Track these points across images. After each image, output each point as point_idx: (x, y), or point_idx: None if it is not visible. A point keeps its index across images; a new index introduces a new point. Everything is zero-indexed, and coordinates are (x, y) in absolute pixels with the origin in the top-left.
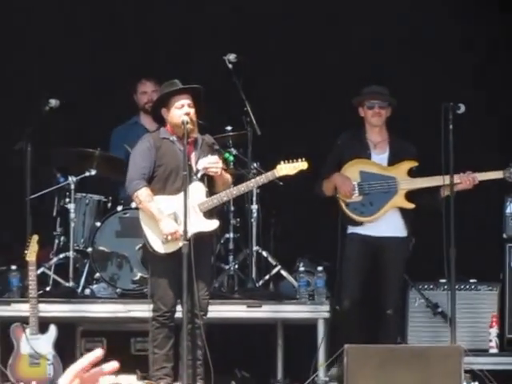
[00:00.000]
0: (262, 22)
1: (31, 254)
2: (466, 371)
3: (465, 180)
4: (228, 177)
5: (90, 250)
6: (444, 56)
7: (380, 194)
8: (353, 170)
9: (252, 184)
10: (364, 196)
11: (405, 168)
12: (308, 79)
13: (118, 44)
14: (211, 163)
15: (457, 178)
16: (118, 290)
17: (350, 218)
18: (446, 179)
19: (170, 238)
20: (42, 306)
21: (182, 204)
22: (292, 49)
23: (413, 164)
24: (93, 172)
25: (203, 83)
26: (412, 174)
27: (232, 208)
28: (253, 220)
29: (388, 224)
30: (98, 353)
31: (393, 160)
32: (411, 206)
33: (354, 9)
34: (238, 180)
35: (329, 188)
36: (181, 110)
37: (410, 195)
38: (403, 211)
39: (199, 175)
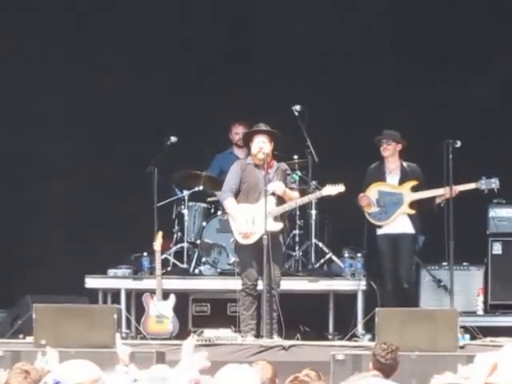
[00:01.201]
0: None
1: (157, 244)
2: (461, 327)
3: (448, 191)
4: (292, 193)
5: (198, 241)
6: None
7: (391, 205)
8: (373, 190)
9: (306, 199)
10: (380, 207)
11: (409, 186)
12: (348, 128)
13: (220, 95)
14: (276, 187)
15: (442, 191)
16: (218, 270)
17: (371, 222)
18: (437, 192)
19: (242, 236)
20: (164, 281)
21: (258, 210)
22: (335, 106)
23: (414, 183)
24: (200, 187)
25: (280, 126)
26: (415, 189)
27: (298, 212)
28: (312, 221)
29: (400, 224)
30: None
31: (402, 181)
32: (412, 211)
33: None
34: (301, 193)
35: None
36: (257, 146)
37: (414, 203)
38: (409, 216)
39: (269, 192)
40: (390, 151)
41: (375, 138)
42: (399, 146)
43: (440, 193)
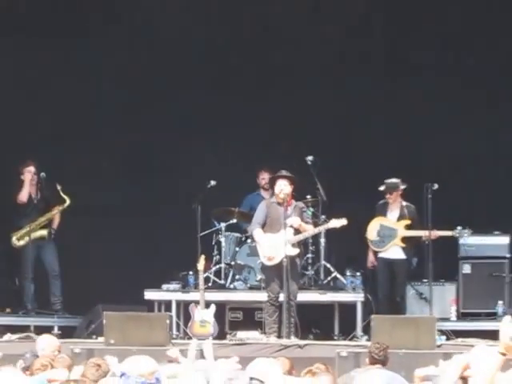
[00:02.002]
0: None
1: (200, 265)
2: (438, 330)
3: (428, 235)
4: (306, 226)
5: (232, 263)
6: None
7: (387, 237)
8: (377, 222)
9: (317, 231)
10: (380, 237)
11: (403, 224)
12: (349, 173)
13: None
14: (293, 221)
15: (426, 233)
16: (248, 285)
17: (371, 248)
18: (422, 233)
19: (267, 258)
20: (206, 294)
21: (279, 239)
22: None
23: (408, 222)
24: (234, 220)
25: (297, 172)
26: (408, 227)
27: (310, 240)
28: (321, 247)
29: (394, 252)
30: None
31: (399, 218)
32: (403, 244)
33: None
34: (313, 225)
35: None
36: (279, 188)
37: (405, 238)
38: (402, 247)
39: (288, 225)
40: (393, 199)
41: (379, 188)
42: (400, 190)
43: (425, 234)
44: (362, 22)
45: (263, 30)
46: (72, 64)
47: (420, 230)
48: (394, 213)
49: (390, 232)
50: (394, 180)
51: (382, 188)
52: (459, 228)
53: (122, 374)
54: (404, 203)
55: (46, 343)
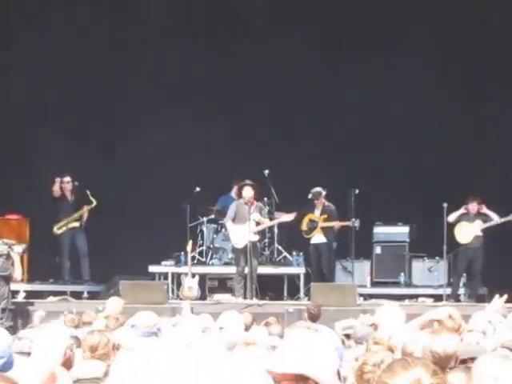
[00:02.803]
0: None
1: (189, 247)
2: (358, 294)
3: (337, 224)
4: (264, 220)
5: (211, 246)
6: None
7: (313, 228)
8: (306, 218)
9: (272, 223)
10: (309, 228)
11: (323, 218)
12: (296, 184)
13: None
14: (255, 216)
15: (334, 224)
16: (222, 262)
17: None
18: (332, 224)
19: (235, 243)
20: (193, 268)
21: (245, 229)
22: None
23: (325, 217)
24: (212, 216)
25: (259, 181)
26: (326, 220)
27: (267, 230)
28: (275, 235)
29: (319, 238)
30: None
31: (321, 214)
32: (321, 233)
33: None
34: (269, 220)
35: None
36: (245, 192)
37: (323, 228)
38: (323, 233)
39: (251, 219)
40: (318, 202)
41: (308, 197)
42: (323, 195)
43: (334, 224)
44: None
45: None
46: None
47: (334, 221)
48: (318, 211)
49: (315, 224)
50: (317, 189)
51: (310, 196)
52: (353, 219)
53: (132, 325)
54: (326, 204)
55: (116, 305)
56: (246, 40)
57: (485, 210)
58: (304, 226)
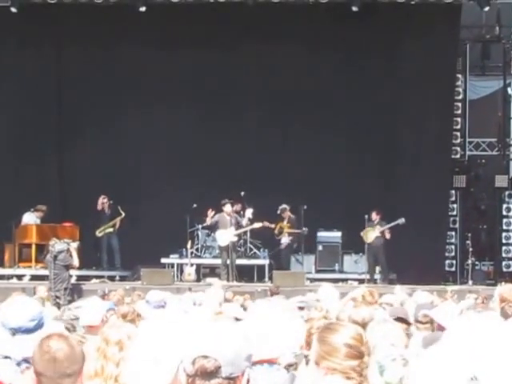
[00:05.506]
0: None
1: (189, 245)
2: (307, 278)
3: (295, 232)
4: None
5: (204, 244)
6: None
7: (281, 233)
8: (278, 225)
9: (246, 229)
10: (278, 232)
11: (286, 225)
12: (268, 200)
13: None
14: (234, 224)
15: (294, 230)
16: (212, 255)
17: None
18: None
19: (220, 242)
20: (192, 260)
21: (228, 232)
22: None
23: (288, 225)
24: (205, 224)
25: (235, 199)
26: (288, 227)
27: (244, 234)
28: (248, 236)
29: (284, 239)
30: None
31: (287, 223)
32: (286, 236)
33: None
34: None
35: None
36: (226, 208)
37: (288, 233)
38: (287, 237)
39: (232, 226)
40: (284, 214)
41: (277, 212)
42: (287, 210)
43: (293, 231)
44: None
45: None
46: None
47: (293, 229)
48: (285, 220)
49: (282, 230)
50: (284, 206)
51: (278, 212)
52: (303, 228)
53: (147, 301)
54: (291, 216)
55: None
56: None
57: (378, 217)
58: (276, 231)
